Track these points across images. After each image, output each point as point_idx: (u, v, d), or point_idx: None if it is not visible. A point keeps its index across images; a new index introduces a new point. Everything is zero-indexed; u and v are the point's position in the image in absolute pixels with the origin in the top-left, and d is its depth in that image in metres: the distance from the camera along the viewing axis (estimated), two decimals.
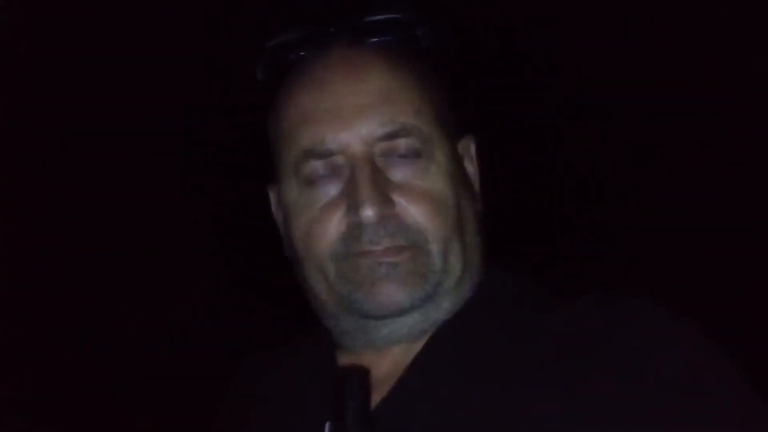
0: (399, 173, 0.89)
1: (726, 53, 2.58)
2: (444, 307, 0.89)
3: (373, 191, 0.86)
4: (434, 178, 0.90)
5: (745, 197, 2.58)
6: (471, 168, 0.98)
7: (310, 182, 0.90)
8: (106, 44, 2.64)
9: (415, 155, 0.89)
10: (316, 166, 0.89)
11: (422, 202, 0.88)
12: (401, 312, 0.87)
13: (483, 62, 2.56)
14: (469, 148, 0.99)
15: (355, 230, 0.87)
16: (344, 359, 0.92)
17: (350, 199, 0.87)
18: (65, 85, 2.62)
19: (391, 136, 0.88)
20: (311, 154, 0.90)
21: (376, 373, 0.86)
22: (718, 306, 2.47)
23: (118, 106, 2.68)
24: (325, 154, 0.89)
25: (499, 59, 2.74)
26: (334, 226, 0.89)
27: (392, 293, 0.86)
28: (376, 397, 0.84)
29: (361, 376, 0.80)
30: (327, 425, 0.77)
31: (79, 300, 2.68)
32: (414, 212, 0.88)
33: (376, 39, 0.92)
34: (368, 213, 0.85)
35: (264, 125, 0.98)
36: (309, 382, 0.93)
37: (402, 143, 0.88)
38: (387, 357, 0.89)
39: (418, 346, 0.90)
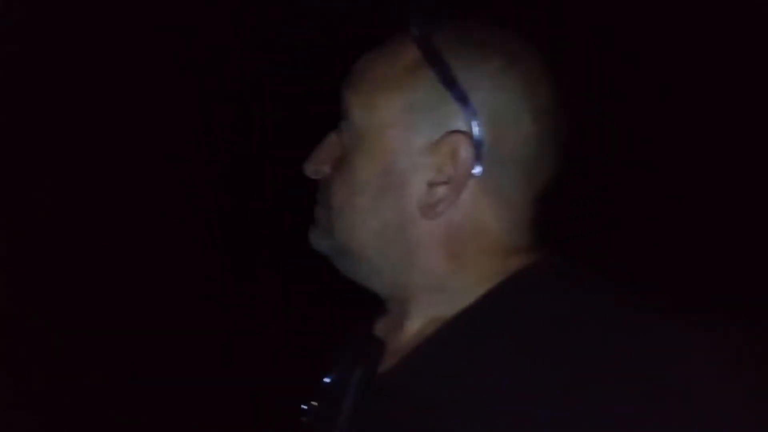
0: None
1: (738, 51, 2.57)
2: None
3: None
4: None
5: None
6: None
7: None
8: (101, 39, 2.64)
9: None
10: None
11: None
12: None
13: None
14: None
15: None
16: (378, 327, 0.93)
17: None
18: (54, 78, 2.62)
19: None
20: None
21: (394, 344, 0.86)
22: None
23: (111, 98, 2.68)
24: None
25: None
26: None
27: None
28: (387, 365, 0.85)
29: (377, 344, 0.85)
30: (329, 379, 0.85)
31: (72, 293, 2.67)
32: None
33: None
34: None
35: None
36: (348, 344, 0.94)
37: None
38: (408, 331, 0.89)
39: (435, 326, 0.88)
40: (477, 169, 0.80)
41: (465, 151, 0.81)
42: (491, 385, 0.77)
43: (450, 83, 0.82)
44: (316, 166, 0.90)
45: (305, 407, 0.88)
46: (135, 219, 2.74)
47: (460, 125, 0.81)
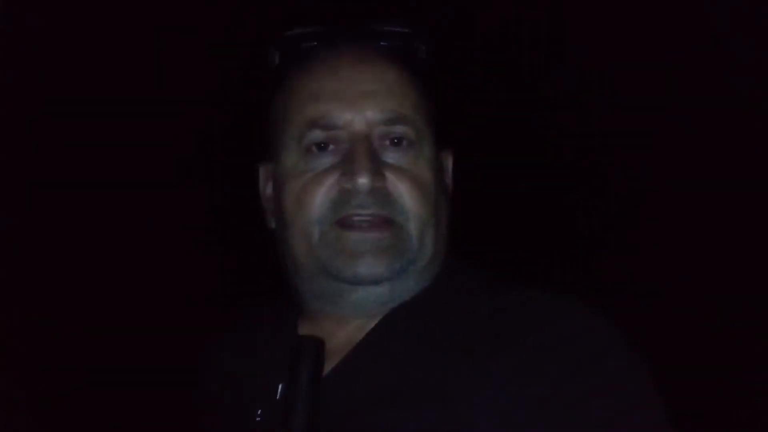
0: (391, 157, 1.00)
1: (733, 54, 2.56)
2: (409, 285, 0.99)
3: (370, 163, 0.96)
4: (422, 167, 1.01)
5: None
6: (446, 179, 1.10)
7: (310, 151, 1.00)
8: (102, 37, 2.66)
9: (407, 144, 1.00)
10: (319, 136, 1.00)
11: (409, 184, 0.99)
12: (375, 281, 0.96)
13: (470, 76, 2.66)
14: (447, 160, 1.11)
15: (345, 195, 0.97)
16: (305, 328, 1.00)
17: (347, 167, 0.97)
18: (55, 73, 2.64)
19: (391, 121, 0.99)
20: (316, 124, 1.00)
21: (331, 344, 0.91)
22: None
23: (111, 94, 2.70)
24: (329, 127, 0.99)
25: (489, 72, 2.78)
26: (325, 191, 0.98)
27: (372, 265, 0.95)
28: (329, 366, 0.90)
29: (317, 345, 0.86)
30: (280, 387, 0.87)
31: (70, 291, 2.69)
32: (401, 190, 0.99)
33: (381, 43, 1.05)
34: (363, 180, 0.95)
35: (264, 107, 1.10)
36: (271, 348, 1.01)
37: (399, 129, 1.00)
38: (344, 329, 0.97)
39: (372, 323, 0.98)
40: None
41: (451, 163, 1.09)
42: (437, 374, 0.87)
43: (440, 113, 1.05)
44: (377, 178, 0.98)
45: (259, 417, 0.90)
46: (134, 219, 2.75)
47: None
